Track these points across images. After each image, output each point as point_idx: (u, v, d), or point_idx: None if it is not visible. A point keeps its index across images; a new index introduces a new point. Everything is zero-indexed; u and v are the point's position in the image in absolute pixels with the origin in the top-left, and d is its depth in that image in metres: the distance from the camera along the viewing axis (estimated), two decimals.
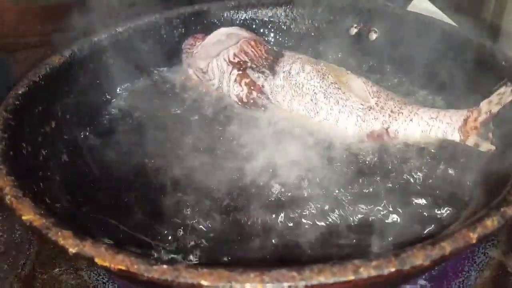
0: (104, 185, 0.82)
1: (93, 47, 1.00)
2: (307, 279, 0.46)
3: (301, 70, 0.94)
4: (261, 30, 1.23)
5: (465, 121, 0.82)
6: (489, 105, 0.80)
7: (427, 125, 0.85)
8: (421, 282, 0.72)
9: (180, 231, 0.73)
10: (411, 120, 0.86)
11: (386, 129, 0.87)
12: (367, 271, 0.47)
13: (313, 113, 0.91)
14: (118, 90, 1.06)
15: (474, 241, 0.50)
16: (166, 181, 0.81)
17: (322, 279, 0.46)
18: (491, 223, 0.52)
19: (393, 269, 0.47)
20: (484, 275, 0.75)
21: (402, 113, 0.86)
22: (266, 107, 0.97)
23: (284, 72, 0.96)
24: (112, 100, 1.04)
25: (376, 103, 0.88)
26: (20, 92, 0.81)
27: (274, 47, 1.04)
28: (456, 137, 0.83)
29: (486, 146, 0.80)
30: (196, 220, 0.74)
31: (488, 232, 0.51)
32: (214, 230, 0.73)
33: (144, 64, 1.09)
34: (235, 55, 0.99)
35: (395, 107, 0.88)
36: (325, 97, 0.90)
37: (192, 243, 0.71)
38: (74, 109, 0.91)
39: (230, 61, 0.99)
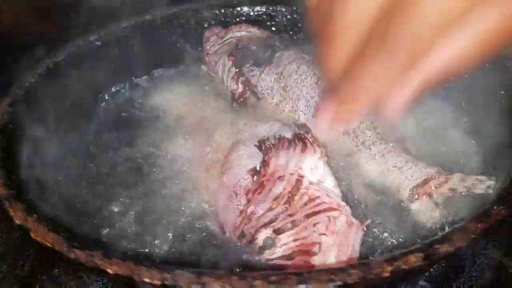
0: (102, 187, 0.82)
1: (91, 47, 1.00)
2: None
3: (294, 71, 0.93)
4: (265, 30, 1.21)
5: (425, 181, 0.76)
6: (460, 182, 0.74)
7: (387, 170, 0.81)
8: (422, 282, 0.72)
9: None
10: (374, 158, 0.83)
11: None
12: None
13: (292, 121, 0.89)
14: (117, 90, 1.06)
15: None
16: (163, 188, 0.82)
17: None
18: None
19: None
20: (484, 276, 0.75)
21: (370, 149, 0.84)
22: (254, 107, 0.96)
23: (277, 74, 0.95)
24: (111, 101, 1.04)
25: (353, 130, 0.86)
26: (18, 93, 0.82)
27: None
28: (404, 195, 0.77)
29: (426, 219, 0.75)
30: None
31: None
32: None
33: (142, 64, 1.09)
34: (236, 46, 1.01)
35: (368, 139, 0.85)
36: (305, 107, 0.89)
37: None
38: (72, 110, 0.91)
39: (228, 54, 1.01)
